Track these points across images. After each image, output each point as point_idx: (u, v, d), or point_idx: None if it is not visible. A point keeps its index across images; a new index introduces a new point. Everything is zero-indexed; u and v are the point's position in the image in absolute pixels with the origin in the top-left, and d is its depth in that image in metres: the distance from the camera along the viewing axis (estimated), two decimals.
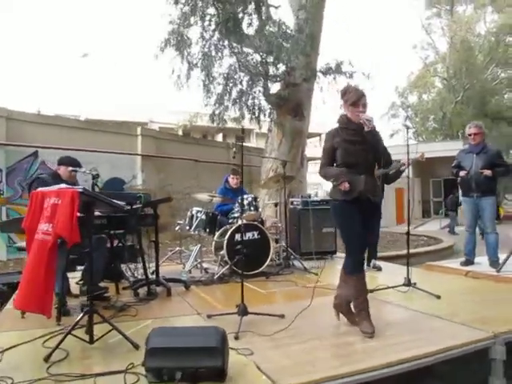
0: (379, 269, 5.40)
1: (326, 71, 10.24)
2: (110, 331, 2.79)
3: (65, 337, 2.64)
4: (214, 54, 9.22)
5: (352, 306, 3.15)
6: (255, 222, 5.28)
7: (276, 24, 9.63)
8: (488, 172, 4.87)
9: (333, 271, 5.62)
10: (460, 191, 5.55)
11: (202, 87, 9.46)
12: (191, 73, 9.45)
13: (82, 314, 2.75)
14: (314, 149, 20.86)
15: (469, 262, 5.17)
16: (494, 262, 4.94)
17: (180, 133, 17.61)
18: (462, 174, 5.06)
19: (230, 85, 9.27)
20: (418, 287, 4.02)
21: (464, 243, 5.28)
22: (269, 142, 11.07)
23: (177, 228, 5.62)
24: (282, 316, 3.36)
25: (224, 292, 4.50)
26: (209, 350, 2.16)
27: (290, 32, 9.76)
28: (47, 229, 2.47)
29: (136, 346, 2.69)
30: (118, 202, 2.97)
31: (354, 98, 3.02)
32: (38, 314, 2.62)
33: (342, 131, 3.09)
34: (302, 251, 6.12)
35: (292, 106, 10.18)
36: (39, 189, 2.80)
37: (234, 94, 9.38)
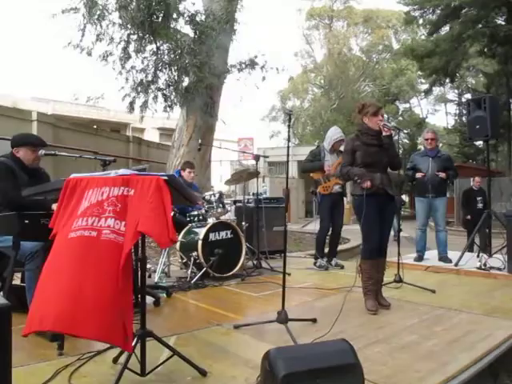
0: (342, 267, 5.49)
1: (241, 66, 10.13)
2: (169, 358, 2.26)
3: (121, 373, 2.05)
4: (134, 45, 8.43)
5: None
6: (228, 220, 4.94)
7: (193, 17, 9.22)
8: (443, 174, 5.32)
9: (298, 271, 5.57)
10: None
11: (119, 74, 8.61)
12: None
13: (136, 339, 2.18)
14: None
15: (421, 257, 5.57)
16: (444, 257, 5.41)
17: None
18: (418, 175, 5.43)
19: (157, 74, 8.56)
20: (410, 283, 4.17)
21: (416, 240, 5.67)
22: (176, 136, 10.57)
23: None
24: (314, 320, 3.18)
25: (214, 297, 4.08)
26: (348, 368, 1.88)
27: (204, 23, 9.42)
28: (119, 227, 1.90)
29: (203, 373, 2.24)
30: (197, 195, 2.44)
31: (375, 109, 3.53)
32: (116, 346, 1.99)
33: (363, 136, 3.58)
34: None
35: (204, 101, 9.85)
36: (74, 175, 2.16)
37: (159, 83, 8.68)
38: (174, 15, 8.55)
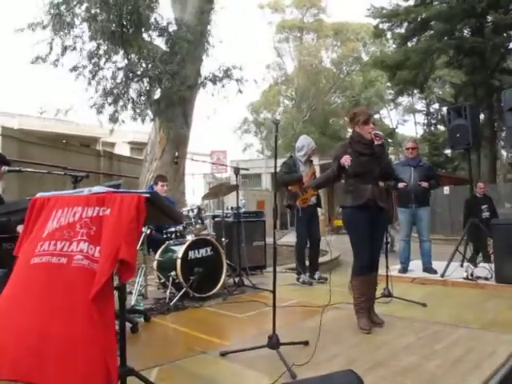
0: (326, 279, 5.32)
1: (215, 78, 9.98)
2: None
3: None
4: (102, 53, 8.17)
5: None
6: (208, 237, 4.70)
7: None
8: (426, 184, 5.26)
9: (281, 287, 5.33)
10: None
11: (88, 85, 8.32)
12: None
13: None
14: None
15: (405, 269, 5.46)
16: (429, 268, 5.31)
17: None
18: (401, 185, 5.32)
19: (128, 84, 8.31)
20: (399, 297, 4.03)
21: (400, 252, 5.56)
22: (149, 150, 10.30)
23: None
24: (306, 343, 2.97)
25: (196, 320, 3.82)
26: None
27: (177, 34, 9.24)
28: (93, 253, 1.65)
29: None
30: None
31: (366, 117, 3.39)
32: None
33: (355, 144, 3.41)
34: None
35: (176, 113, 9.63)
36: (41, 194, 1.90)
37: (131, 93, 8.43)
38: (146, 26, 8.35)
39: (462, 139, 4.99)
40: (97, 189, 1.81)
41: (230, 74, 9.88)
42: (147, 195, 1.69)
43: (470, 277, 4.69)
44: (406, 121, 32.46)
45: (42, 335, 1.64)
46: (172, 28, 9.28)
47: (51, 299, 1.66)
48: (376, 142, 3.31)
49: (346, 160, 3.19)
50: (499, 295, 4.18)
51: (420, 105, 29.92)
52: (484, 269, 4.77)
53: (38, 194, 1.91)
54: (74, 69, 8.17)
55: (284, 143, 30.99)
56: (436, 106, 27.83)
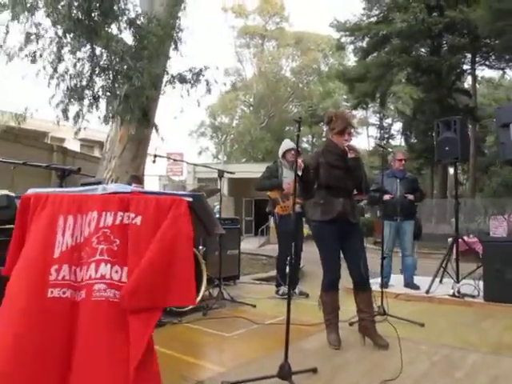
0: (307, 295, 5.05)
1: (185, 79, 9.53)
2: None
3: None
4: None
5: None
6: None
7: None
8: (411, 197, 5.14)
9: (260, 301, 4.98)
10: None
11: (51, 78, 7.60)
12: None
13: None
14: None
15: (386, 284, 5.29)
16: (411, 284, 5.18)
17: None
18: (387, 197, 5.16)
19: (93, 79, 7.66)
20: (393, 315, 3.82)
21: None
22: (107, 148, 9.65)
23: None
24: (315, 370, 2.66)
25: (179, 340, 3.41)
26: None
27: (146, 28, 8.74)
28: (120, 277, 1.25)
29: None
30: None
31: (340, 128, 3.15)
32: None
33: (327, 154, 3.23)
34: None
35: (140, 111, 9.09)
36: (33, 190, 1.47)
37: (96, 90, 7.76)
38: (116, 16, 7.77)
39: (451, 152, 4.91)
40: (113, 187, 1.41)
41: (200, 79, 9.41)
42: (189, 199, 1.31)
43: (456, 294, 4.59)
44: (360, 133, 33.25)
45: None
46: (140, 21, 8.76)
47: (86, 350, 1.22)
48: (349, 155, 3.12)
49: (300, 166, 2.87)
50: (491, 315, 4.08)
51: (373, 118, 30.81)
52: (468, 285, 4.68)
53: (30, 191, 1.47)
54: (33, 60, 7.42)
55: (240, 148, 30.75)
56: (389, 120, 28.71)
